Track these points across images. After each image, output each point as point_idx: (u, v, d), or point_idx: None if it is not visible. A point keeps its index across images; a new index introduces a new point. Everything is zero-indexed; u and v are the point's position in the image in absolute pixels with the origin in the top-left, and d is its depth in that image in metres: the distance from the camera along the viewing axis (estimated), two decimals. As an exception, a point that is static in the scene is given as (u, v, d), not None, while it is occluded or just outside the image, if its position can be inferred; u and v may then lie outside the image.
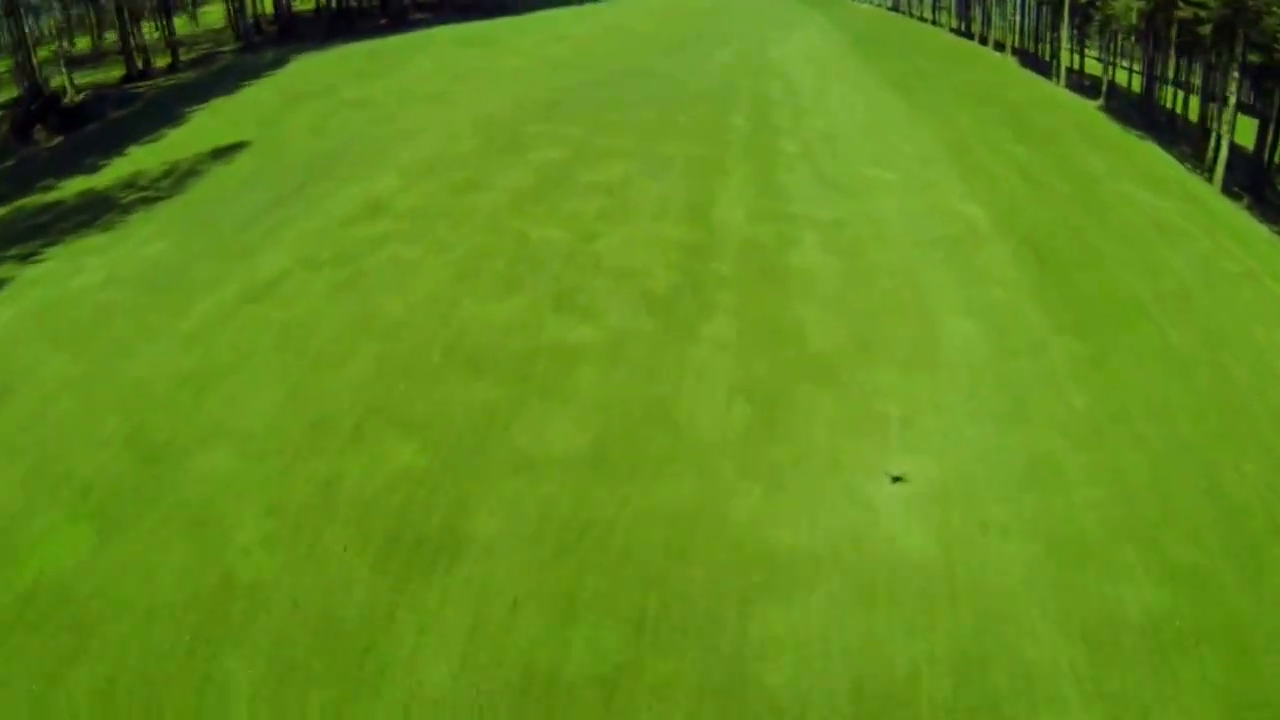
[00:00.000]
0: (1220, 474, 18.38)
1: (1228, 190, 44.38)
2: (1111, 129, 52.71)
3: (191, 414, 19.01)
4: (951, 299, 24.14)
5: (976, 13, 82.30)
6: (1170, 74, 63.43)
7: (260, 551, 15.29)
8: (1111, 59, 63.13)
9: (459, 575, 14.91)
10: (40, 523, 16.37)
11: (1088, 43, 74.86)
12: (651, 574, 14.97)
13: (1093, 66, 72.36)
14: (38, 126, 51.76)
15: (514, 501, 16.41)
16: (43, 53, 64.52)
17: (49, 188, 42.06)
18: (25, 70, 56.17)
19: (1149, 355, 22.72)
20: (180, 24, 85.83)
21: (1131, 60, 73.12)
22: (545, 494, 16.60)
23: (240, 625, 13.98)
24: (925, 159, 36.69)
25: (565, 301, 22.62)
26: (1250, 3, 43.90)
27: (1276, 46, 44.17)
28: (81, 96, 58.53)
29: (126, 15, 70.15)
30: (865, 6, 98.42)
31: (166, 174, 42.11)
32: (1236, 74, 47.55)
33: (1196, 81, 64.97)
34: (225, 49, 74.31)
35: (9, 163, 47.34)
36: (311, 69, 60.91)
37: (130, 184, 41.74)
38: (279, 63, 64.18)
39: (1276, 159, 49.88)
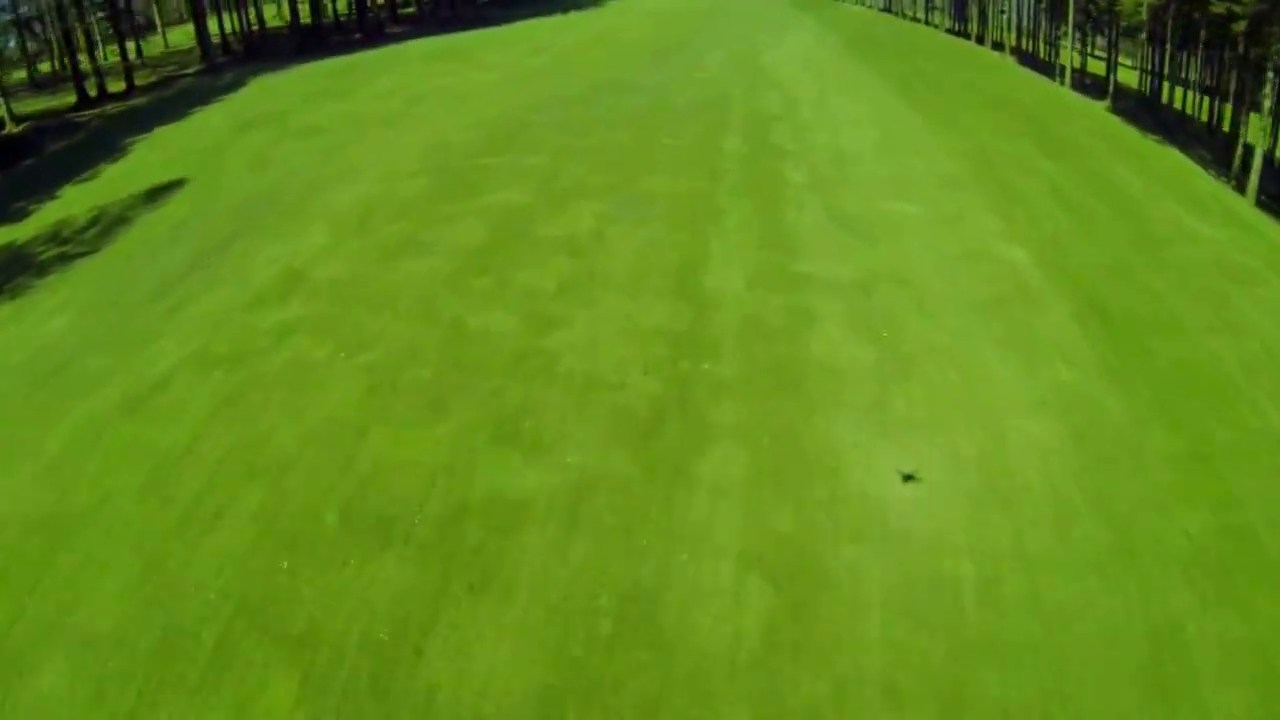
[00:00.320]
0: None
1: (1260, 203, 40.36)
2: (1129, 134, 48.43)
3: (33, 591, 14.60)
4: (1015, 391, 19.19)
5: (973, 11, 79.01)
6: (1169, 71, 60.16)
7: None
8: (1115, 58, 59.36)
9: None
10: None
11: (1089, 41, 71.93)
12: None
13: (1093, 65, 69.24)
14: (-34, 164, 47.55)
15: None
16: (-11, 81, 60.12)
17: (-37, 241, 37.75)
18: (-44, 102, 52.09)
19: (1257, 447, 18.13)
20: (152, 46, 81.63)
21: (1133, 59, 69.56)
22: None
23: None
24: (948, 181, 32.00)
25: (507, 429, 17.29)
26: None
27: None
28: (20, 128, 54.20)
29: (76, 39, 65.90)
30: (856, 8, 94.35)
31: (93, 222, 37.71)
32: (1271, 74, 43.30)
33: (1193, 78, 61.47)
34: (188, 71, 69.99)
35: (-72, 208, 42.99)
36: (269, 91, 56.42)
37: (54, 235, 37.33)
38: (236, 84, 59.74)
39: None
